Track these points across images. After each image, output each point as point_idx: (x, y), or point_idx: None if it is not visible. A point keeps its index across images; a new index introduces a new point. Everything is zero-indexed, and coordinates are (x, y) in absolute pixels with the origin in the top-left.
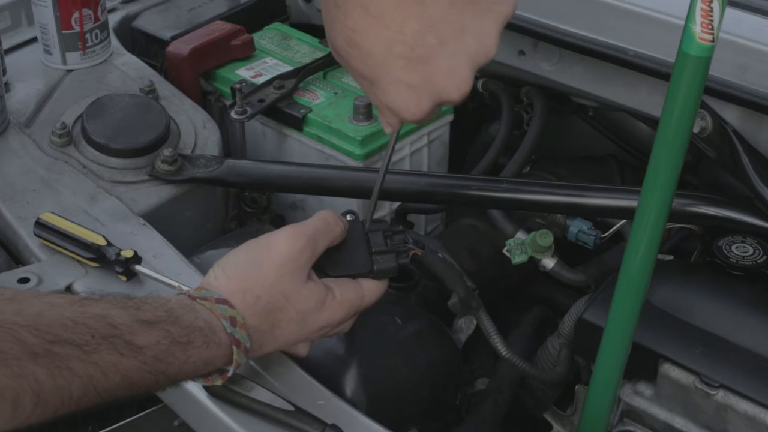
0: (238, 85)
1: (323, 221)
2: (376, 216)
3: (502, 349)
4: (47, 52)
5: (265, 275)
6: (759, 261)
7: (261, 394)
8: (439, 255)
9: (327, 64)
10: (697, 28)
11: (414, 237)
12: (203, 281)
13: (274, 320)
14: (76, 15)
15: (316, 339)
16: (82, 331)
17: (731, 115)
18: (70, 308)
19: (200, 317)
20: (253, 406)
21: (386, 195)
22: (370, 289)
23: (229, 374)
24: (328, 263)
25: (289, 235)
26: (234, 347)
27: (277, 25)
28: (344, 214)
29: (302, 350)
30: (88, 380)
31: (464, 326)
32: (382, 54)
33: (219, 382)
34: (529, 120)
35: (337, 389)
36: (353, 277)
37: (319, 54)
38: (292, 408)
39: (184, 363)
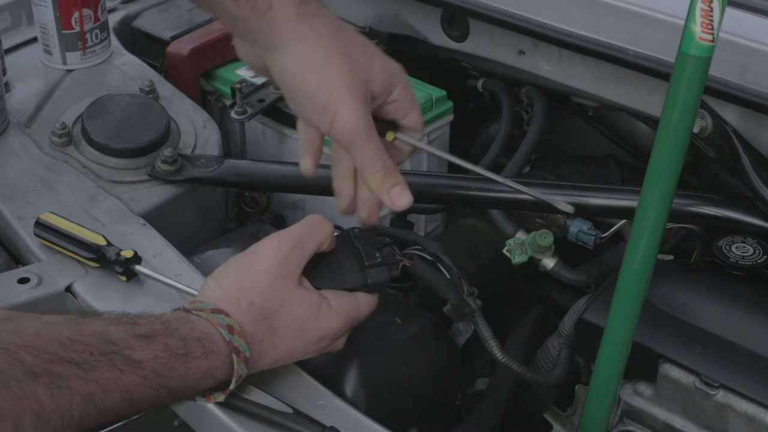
0: (238, 85)
1: (308, 225)
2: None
3: (498, 354)
4: (47, 52)
5: (256, 280)
6: (759, 261)
7: (259, 397)
8: (443, 258)
9: None
10: (697, 28)
11: (405, 235)
12: (197, 295)
13: (271, 327)
14: (76, 15)
15: (315, 353)
16: (81, 348)
17: (731, 115)
18: (67, 326)
19: (197, 328)
20: (251, 409)
21: None
22: (365, 301)
23: (231, 387)
24: (321, 279)
25: (274, 240)
26: (234, 356)
27: None
28: None
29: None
30: (89, 398)
31: (463, 329)
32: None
33: (221, 398)
34: (529, 120)
35: (337, 389)
36: (348, 291)
37: None
38: (290, 410)
39: (184, 375)
